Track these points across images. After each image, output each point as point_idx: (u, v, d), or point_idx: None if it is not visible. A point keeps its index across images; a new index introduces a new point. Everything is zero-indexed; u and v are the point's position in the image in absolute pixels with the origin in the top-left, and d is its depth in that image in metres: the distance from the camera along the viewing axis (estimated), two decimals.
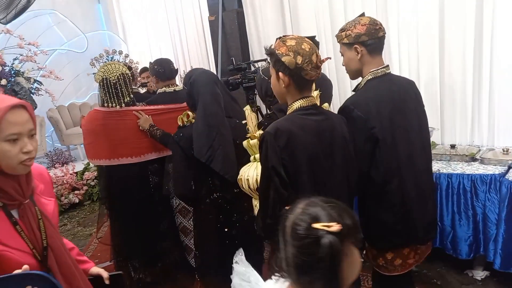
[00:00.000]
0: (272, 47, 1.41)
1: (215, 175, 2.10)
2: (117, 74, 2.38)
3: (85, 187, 4.95)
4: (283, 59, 1.34)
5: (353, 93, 1.73)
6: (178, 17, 5.89)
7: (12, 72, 5.28)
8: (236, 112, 2.24)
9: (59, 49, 6.32)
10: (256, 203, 1.70)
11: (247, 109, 1.82)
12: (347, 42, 1.63)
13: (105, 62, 2.52)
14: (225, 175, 2.07)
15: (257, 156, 1.65)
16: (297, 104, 1.41)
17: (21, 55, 5.47)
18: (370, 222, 1.66)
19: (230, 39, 4.53)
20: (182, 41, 5.89)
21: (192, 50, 5.76)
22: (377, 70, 1.63)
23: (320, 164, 1.39)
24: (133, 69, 3.67)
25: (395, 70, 3.06)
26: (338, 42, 1.70)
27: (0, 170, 1.05)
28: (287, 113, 1.45)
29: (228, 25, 4.57)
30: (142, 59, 6.42)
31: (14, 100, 1.04)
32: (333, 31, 3.49)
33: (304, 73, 1.34)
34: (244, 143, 1.76)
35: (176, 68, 2.88)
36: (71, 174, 4.98)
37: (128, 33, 6.80)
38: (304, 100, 1.41)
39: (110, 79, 2.37)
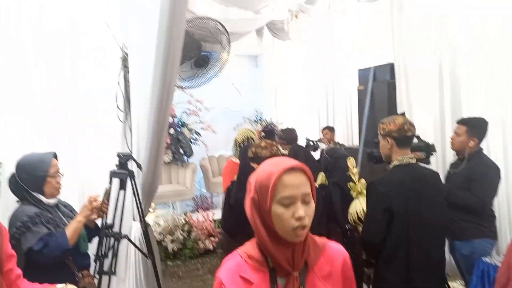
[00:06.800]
0: None
1: None
2: (243, 137, 3.28)
3: (220, 236, 5.22)
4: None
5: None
6: (328, 84, 6.09)
7: (180, 123, 6.17)
8: None
9: (219, 107, 7.15)
10: None
11: None
12: (382, 133, 2.10)
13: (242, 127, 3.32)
14: None
15: None
16: None
17: (188, 109, 6.38)
18: (376, 276, 2.10)
19: (377, 110, 4.41)
20: (329, 108, 6.05)
21: (337, 117, 5.86)
22: (403, 158, 2.05)
23: None
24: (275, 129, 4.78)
25: None
26: (378, 131, 2.13)
27: (278, 236, 1.03)
28: None
29: (377, 96, 4.48)
30: (289, 121, 6.74)
31: (291, 162, 1.02)
32: (503, 121, 3.11)
33: (259, 154, 2.21)
34: None
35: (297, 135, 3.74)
36: (210, 220, 5.32)
37: (280, 95, 7.31)
38: None
39: (238, 140, 3.26)
